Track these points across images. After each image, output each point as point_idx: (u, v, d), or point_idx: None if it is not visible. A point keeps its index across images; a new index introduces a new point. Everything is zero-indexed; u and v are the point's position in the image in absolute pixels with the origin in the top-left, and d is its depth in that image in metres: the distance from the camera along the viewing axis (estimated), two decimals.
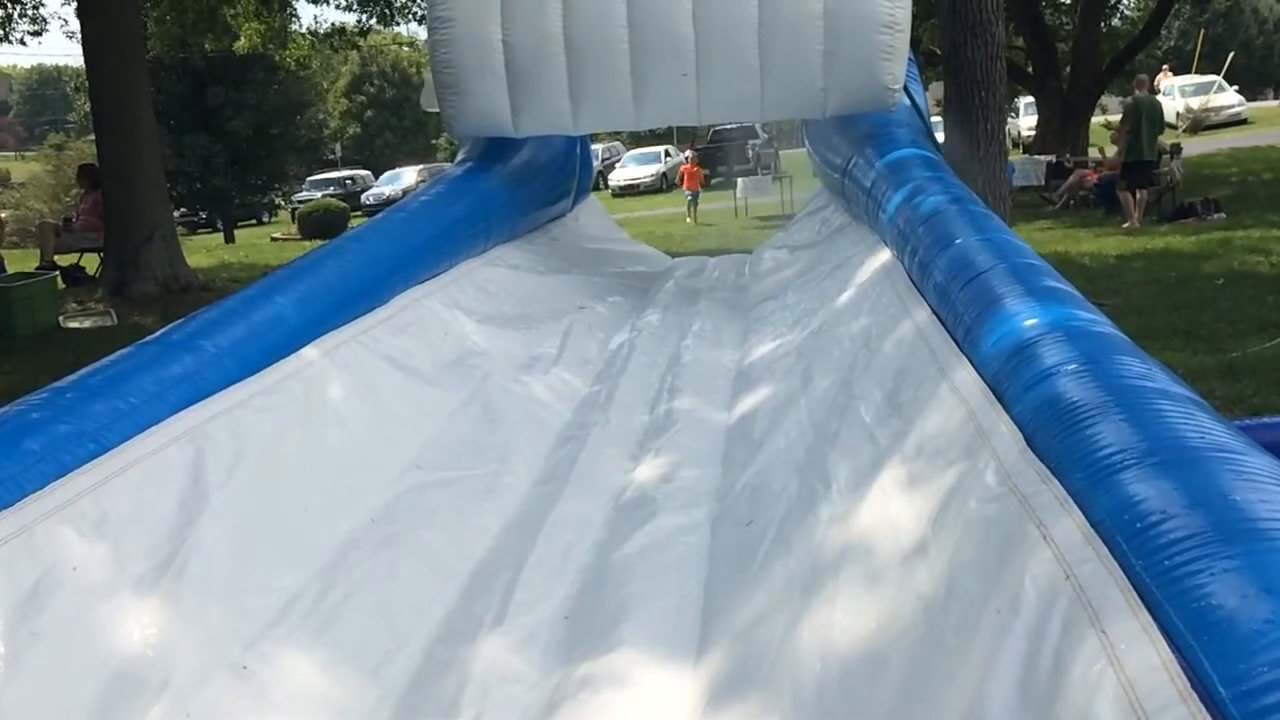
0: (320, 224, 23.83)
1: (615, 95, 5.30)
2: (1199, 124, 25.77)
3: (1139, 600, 1.24)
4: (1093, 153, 16.78)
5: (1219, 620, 1.12)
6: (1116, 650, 1.20)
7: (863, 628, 1.84)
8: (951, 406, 2.24)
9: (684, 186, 20.21)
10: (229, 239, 27.20)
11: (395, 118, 47.41)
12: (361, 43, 19.83)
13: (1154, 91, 14.84)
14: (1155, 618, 1.20)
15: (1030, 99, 23.21)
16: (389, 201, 20.91)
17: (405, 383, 3.67)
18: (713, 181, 23.04)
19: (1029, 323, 2.18)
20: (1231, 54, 26.65)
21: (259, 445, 2.80)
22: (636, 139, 35.08)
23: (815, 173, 7.60)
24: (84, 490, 2.23)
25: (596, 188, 14.43)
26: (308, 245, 14.53)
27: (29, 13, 15.55)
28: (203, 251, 18.53)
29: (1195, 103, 26.43)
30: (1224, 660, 1.07)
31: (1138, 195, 12.05)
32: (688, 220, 18.60)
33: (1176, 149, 13.72)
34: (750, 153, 26.04)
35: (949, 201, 3.55)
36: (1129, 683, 1.15)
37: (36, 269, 10.92)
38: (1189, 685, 1.09)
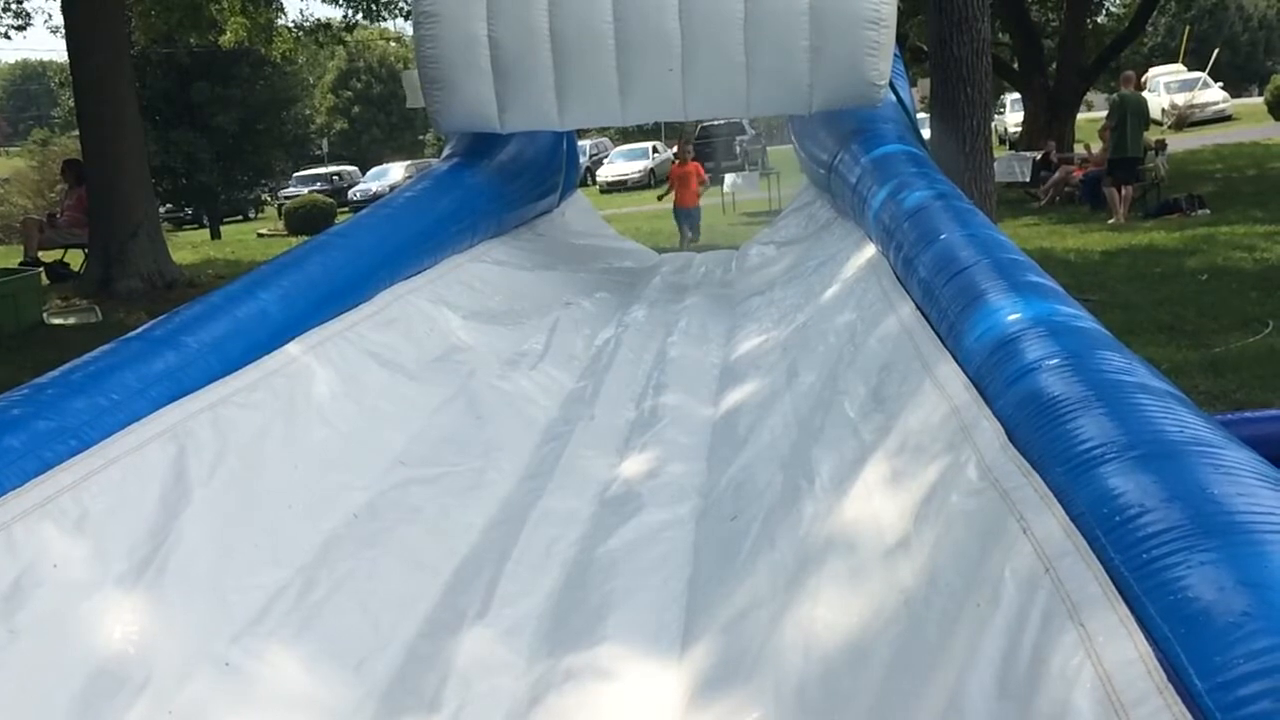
0: (307, 220, 23.79)
1: (601, 91, 5.30)
2: (1184, 120, 25.93)
3: (1117, 593, 1.25)
4: (1078, 149, 16.84)
5: (1196, 613, 1.12)
6: (1095, 643, 1.21)
7: (845, 622, 1.85)
8: (935, 402, 2.24)
9: (674, 200, 13.44)
10: (215, 235, 27.13)
11: (382, 113, 47.23)
12: (348, 38, 19.76)
13: (1140, 88, 14.90)
14: (1133, 611, 1.20)
15: (1017, 95, 23.30)
16: (376, 197, 20.85)
17: (390, 379, 3.65)
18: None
19: (1012, 318, 2.19)
20: (1216, 50, 26.79)
21: (242, 442, 2.78)
22: (624, 135, 35.04)
23: (802, 168, 7.61)
24: (65, 487, 2.21)
25: (584, 184, 14.36)
26: (294, 241, 14.45)
27: (12, 7, 15.47)
28: (188, 247, 18.47)
29: (1180, 99, 26.58)
30: (1201, 652, 1.08)
31: (1123, 191, 12.11)
32: (683, 248, 11.49)
33: (1161, 145, 13.79)
34: (738, 149, 26.02)
35: (934, 197, 3.56)
36: (1107, 675, 1.16)
37: (20, 265, 10.83)
38: (1166, 678, 1.09)
